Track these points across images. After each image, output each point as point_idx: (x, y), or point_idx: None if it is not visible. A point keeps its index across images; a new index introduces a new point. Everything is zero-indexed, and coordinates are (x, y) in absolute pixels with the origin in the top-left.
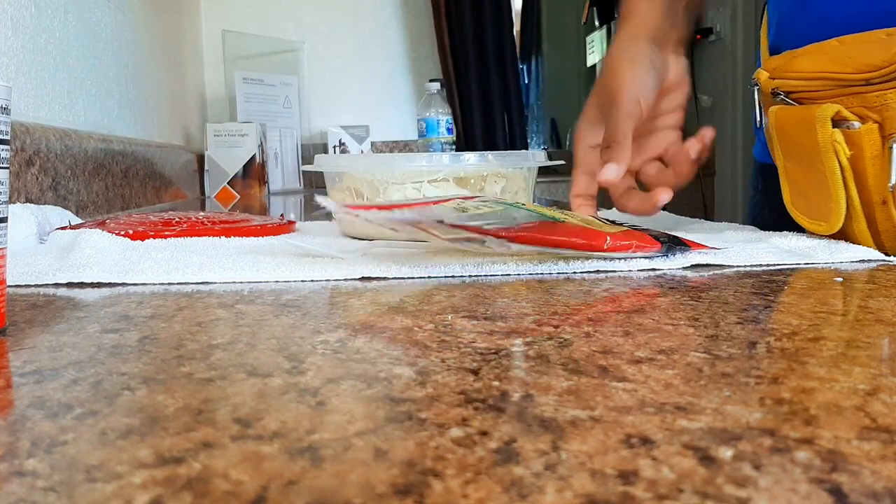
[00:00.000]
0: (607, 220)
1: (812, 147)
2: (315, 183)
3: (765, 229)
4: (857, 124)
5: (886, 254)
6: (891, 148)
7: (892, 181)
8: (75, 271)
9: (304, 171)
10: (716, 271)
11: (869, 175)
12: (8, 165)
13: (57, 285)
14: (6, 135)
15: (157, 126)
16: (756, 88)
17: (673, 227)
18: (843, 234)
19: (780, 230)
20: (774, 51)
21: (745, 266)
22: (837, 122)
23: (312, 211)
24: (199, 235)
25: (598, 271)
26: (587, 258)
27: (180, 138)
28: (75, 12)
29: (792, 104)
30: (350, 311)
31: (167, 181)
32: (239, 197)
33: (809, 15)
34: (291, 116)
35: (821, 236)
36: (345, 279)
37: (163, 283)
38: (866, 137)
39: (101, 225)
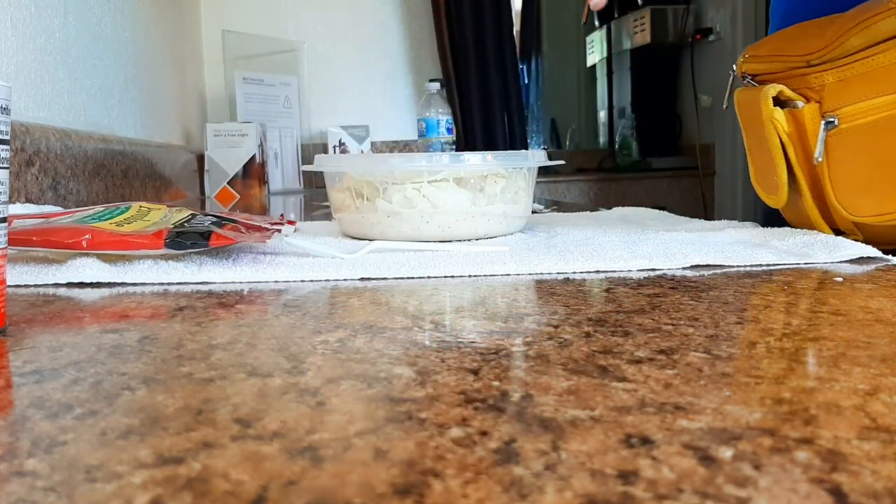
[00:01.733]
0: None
1: (760, 124)
2: (315, 183)
3: (775, 224)
4: (800, 104)
5: (838, 231)
6: (822, 125)
7: (817, 155)
8: (75, 271)
9: (304, 171)
10: (716, 271)
11: (814, 152)
12: (8, 165)
13: (57, 285)
14: (6, 135)
15: (157, 126)
16: (733, 73)
17: (673, 226)
18: (798, 210)
19: (786, 224)
20: None
21: (745, 266)
22: (784, 102)
23: (312, 211)
24: None
25: (598, 271)
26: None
27: (180, 138)
28: (75, 12)
29: (756, 86)
30: (350, 311)
31: (167, 181)
32: (239, 197)
33: (778, 9)
34: (291, 116)
35: (817, 233)
36: (345, 279)
37: (163, 283)
38: (808, 116)
39: None
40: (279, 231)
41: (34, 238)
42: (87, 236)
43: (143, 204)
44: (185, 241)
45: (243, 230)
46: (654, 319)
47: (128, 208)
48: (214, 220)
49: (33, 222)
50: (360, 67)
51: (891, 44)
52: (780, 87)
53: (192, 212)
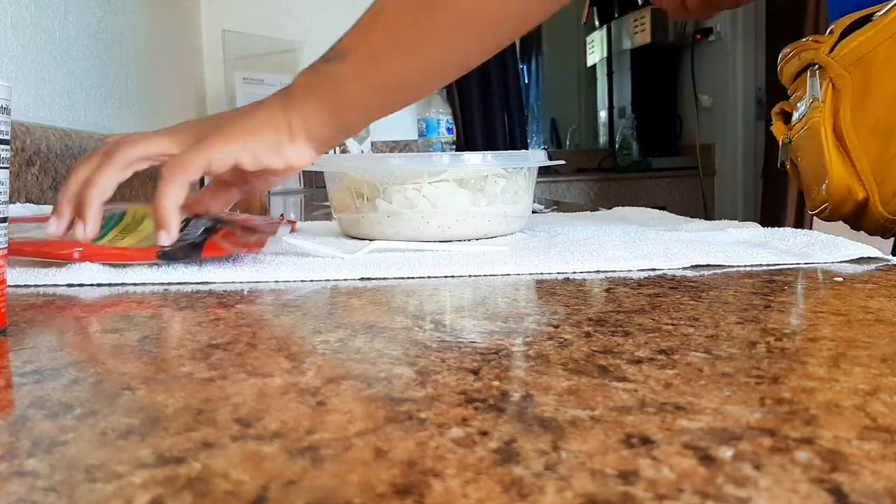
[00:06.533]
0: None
1: None
2: (315, 183)
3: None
4: (795, 115)
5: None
6: (782, 139)
7: (780, 163)
8: (75, 273)
9: (303, 171)
10: (716, 271)
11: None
12: (8, 165)
13: (57, 285)
14: (6, 135)
15: (157, 126)
16: None
17: (673, 226)
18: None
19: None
20: None
21: (746, 266)
22: (789, 113)
23: (312, 211)
24: None
25: (598, 271)
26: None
27: None
28: (75, 12)
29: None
30: (350, 311)
31: None
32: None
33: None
34: None
35: (817, 233)
36: (345, 279)
37: (163, 283)
38: (796, 126)
39: None
40: (274, 234)
41: (28, 249)
42: (78, 248)
43: (138, 208)
44: (177, 254)
45: (239, 234)
46: (654, 319)
47: (123, 215)
48: (209, 224)
49: (26, 235)
50: None
51: (797, 82)
52: (783, 104)
53: (186, 216)
